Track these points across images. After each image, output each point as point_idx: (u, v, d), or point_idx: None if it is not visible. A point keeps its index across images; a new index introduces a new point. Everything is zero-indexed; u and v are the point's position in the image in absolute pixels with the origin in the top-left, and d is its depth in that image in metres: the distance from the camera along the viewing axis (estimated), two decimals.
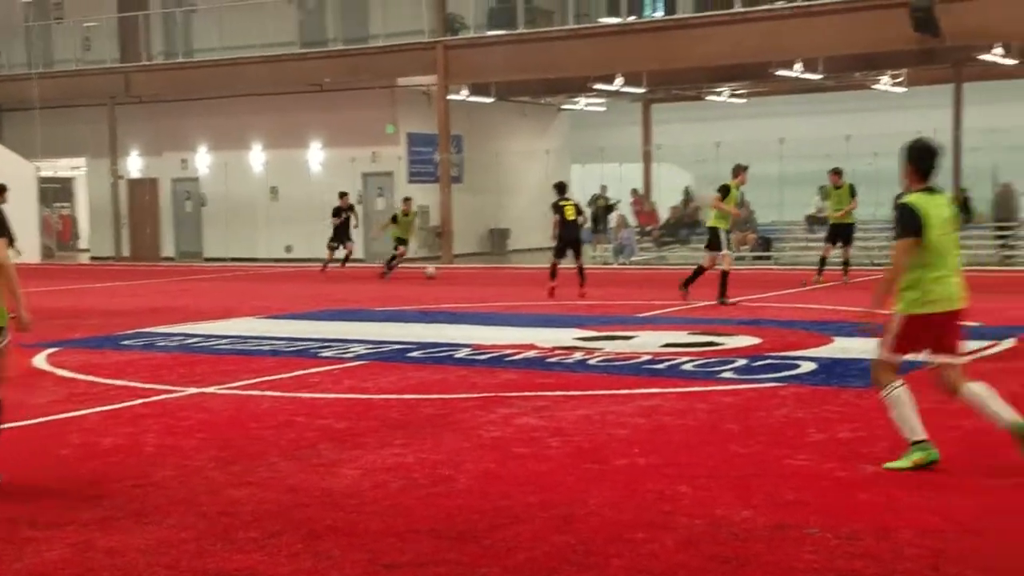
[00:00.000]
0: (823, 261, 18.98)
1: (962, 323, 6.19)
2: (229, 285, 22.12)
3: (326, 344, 11.73)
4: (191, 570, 4.70)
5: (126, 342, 12.37)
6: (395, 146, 29.04)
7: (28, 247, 30.73)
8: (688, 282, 15.74)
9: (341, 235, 23.99)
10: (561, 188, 17.76)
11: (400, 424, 7.59)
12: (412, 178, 29.29)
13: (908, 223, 5.93)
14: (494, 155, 30.94)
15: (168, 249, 32.48)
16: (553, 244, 17.52)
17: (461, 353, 10.86)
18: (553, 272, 17.18)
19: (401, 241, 22.96)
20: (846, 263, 18.97)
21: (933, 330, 6.02)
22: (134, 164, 32.77)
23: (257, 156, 30.96)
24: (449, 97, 27.24)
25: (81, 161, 34.07)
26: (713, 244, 15.44)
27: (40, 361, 10.91)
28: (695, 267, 16.13)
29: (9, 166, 30.56)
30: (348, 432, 7.34)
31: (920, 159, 6.20)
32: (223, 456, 6.71)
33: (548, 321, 13.74)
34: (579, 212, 17.61)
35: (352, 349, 11.32)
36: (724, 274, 15.38)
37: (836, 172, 18.97)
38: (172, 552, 4.92)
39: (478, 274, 24.04)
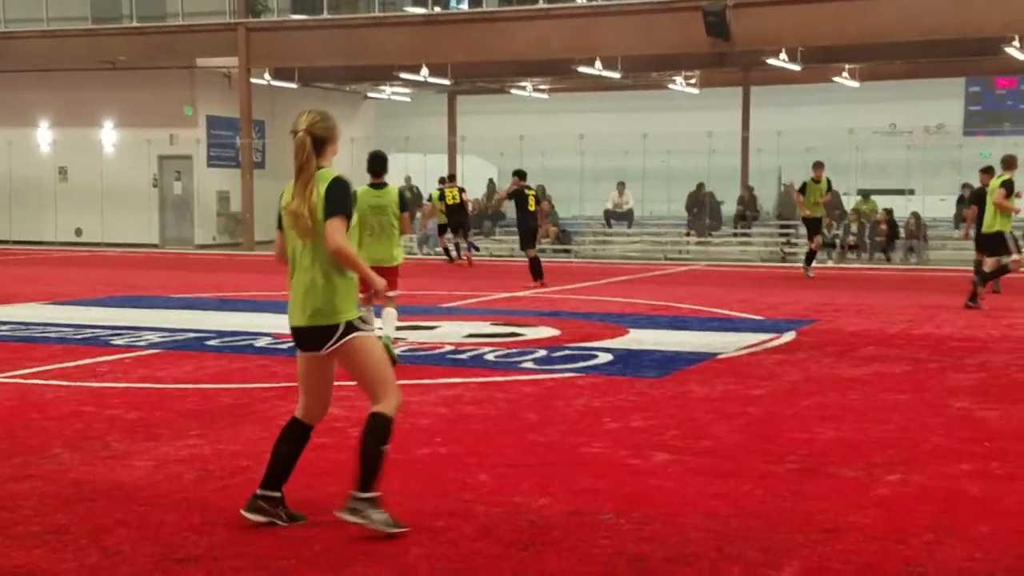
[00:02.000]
0: (812, 255, 19.14)
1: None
2: (11, 269, 21.01)
3: (117, 332, 11.30)
4: None
5: None
6: (194, 129, 28.19)
7: None
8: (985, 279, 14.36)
9: None
10: (451, 177, 18.07)
11: (196, 414, 7.39)
12: (211, 162, 28.53)
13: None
14: None
15: None
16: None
17: (262, 342, 10.66)
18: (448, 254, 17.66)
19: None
20: (811, 255, 19.14)
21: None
22: None
23: (44, 134, 29.50)
24: (252, 80, 26.65)
25: None
26: (998, 247, 14.12)
27: None
28: (996, 268, 14.31)
29: None
30: (140, 423, 7.10)
31: (371, 163, 9.35)
32: (2, 448, 6.38)
33: None
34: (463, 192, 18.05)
35: (145, 337, 10.95)
36: (998, 271, 14.22)
37: (819, 165, 18.75)
38: None
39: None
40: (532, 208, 17.36)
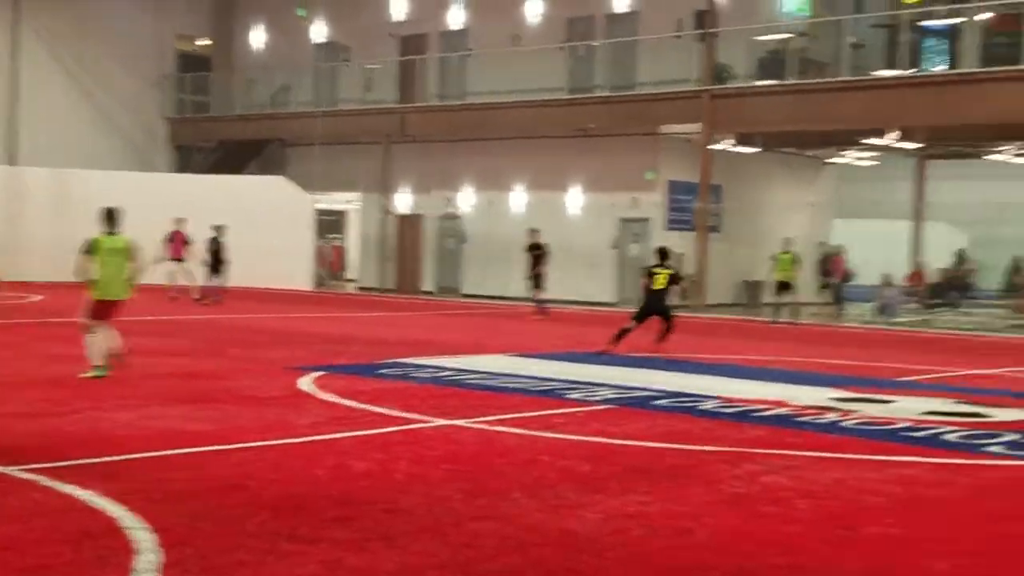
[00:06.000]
0: None
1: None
2: (483, 321, 22.66)
3: (572, 386, 11.80)
4: None
5: (384, 371, 12.86)
6: (654, 193, 29.07)
7: (301, 275, 32.64)
8: None
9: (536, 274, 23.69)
10: (663, 254, 16.33)
11: (644, 471, 7.53)
12: (670, 225, 29.20)
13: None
14: (754, 206, 30.44)
15: (428, 283, 33.67)
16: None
17: (708, 404, 10.69)
18: (621, 335, 15.79)
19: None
20: None
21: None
22: (403, 200, 34.24)
23: (518, 197, 31.68)
24: (711, 146, 27.06)
25: (355, 195, 35.91)
26: None
27: (306, 383, 11.50)
28: None
29: (291, 197, 32.63)
30: (590, 475, 7.34)
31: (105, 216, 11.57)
32: (468, 488, 6.84)
33: (801, 378, 13.32)
34: (674, 281, 16.14)
35: (599, 392, 11.34)
36: None
37: None
38: None
39: (731, 325, 23.65)
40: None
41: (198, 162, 37.24)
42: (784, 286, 23.73)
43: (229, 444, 8.07)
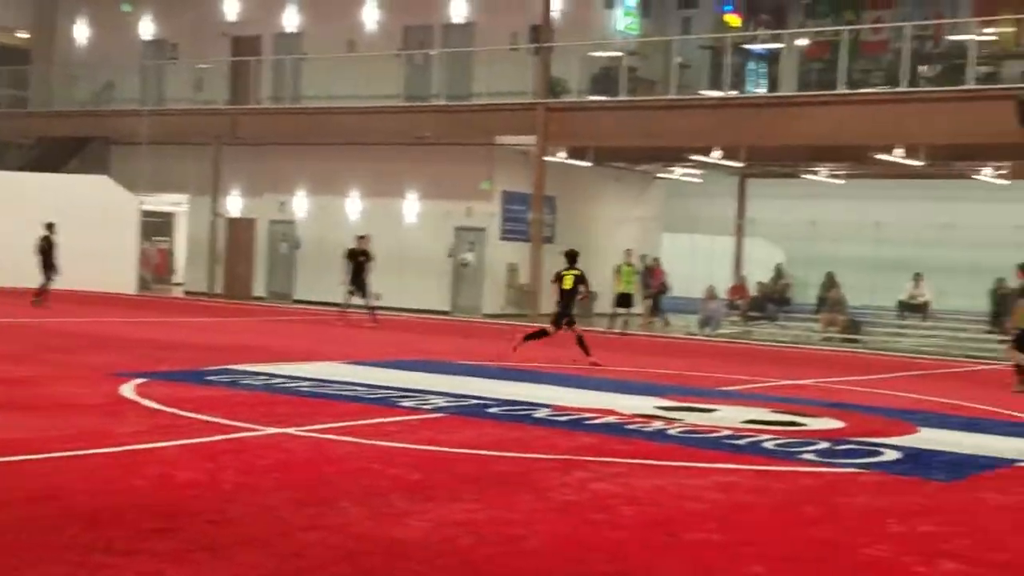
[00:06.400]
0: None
1: None
2: (316, 328, 22.41)
3: (406, 394, 11.79)
4: None
5: (212, 378, 12.58)
6: (490, 203, 29.30)
7: (125, 278, 31.59)
8: None
9: (358, 281, 23.10)
10: (571, 257, 17.01)
11: (474, 479, 7.58)
12: (505, 235, 29.50)
13: None
14: (586, 219, 31.03)
15: (260, 289, 33.07)
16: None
17: (541, 413, 10.84)
18: (538, 335, 16.66)
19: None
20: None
21: None
22: (234, 204, 33.54)
23: (353, 203, 31.45)
24: (546, 158, 27.47)
25: (183, 197, 34.99)
26: None
27: (129, 390, 11.14)
28: None
29: (114, 197, 31.54)
30: (421, 484, 7.36)
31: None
32: (297, 497, 6.76)
33: (629, 388, 13.65)
34: (581, 281, 16.72)
35: (431, 401, 11.37)
36: None
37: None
38: None
39: (560, 335, 24.00)
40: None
41: (15, 159, 35.64)
42: (624, 298, 24.33)
43: (44, 453, 7.75)
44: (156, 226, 37.69)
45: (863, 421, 11.39)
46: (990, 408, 13.33)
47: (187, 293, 34.07)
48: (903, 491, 7.84)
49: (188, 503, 6.52)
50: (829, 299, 26.28)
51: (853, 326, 25.59)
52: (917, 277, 26.23)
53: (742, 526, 6.61)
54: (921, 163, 25.45)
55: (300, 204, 32.42)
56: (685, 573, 5.52)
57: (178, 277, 37.42)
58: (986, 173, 27.54)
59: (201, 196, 33.34)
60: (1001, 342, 19.60)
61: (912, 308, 26.29)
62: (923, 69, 24.89)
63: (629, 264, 24.65)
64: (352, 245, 23.77)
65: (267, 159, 32.34)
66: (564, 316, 16.62)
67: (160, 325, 20.75)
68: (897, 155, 24.54)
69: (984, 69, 23.63)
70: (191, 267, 34.73)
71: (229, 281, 33.46)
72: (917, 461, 9.08)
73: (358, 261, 23.28)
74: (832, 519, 6.88)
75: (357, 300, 23.41)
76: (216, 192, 32.81)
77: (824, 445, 9.61)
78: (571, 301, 16.65)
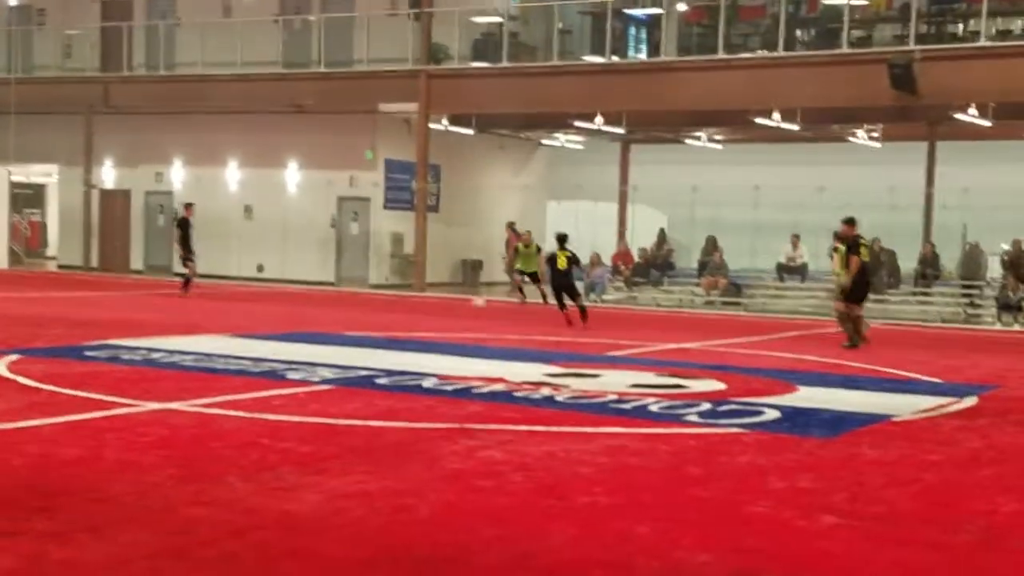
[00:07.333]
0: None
1: None
2: (197, 302, 21.98)
3: (292, 366, 11.67)
4: None
5: (90, 353, 12.26)
6: (373, 172, 29.06)
7: None
8: None
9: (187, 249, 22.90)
10: (561, 240, 18.10)
11: (364, 451, 7.55)
12: (388, 204, 29.31)
13: None
14: (471, 187, 31.02)
15: (137, 262, 32.28)
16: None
17: (428, 382, 10.84)
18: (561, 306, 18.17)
19: (523, 273, 23.30)
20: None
21: None
22: (108, 175, 32.61)
23: (232, 173, 30.88)
24: (429, 126, 27.32)
25: (54, 168, 33.88)
26: None
27: (1, 367, 10.79)
28: None
29: None
30: (311, 456, 7.30)
31: None
32: (182, 474, 6.65)
33: (517, 355, 13.74)
34: (574, 262, 18.02)
35: (319, 372, 11.27)
36: None
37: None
38: (127, 569, 4.87)
39: (446, 304, 24.03)
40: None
41: None
42: (533, 277, 23.70)
43: None
44: (27, 199, 36.45)
45: (744, 382, 11.66)
46: (867, 366, 13.78)
47: (61, 267, 33.08)
48: (783, 449, 8.07)
49: (69, 482, 6.36)
50: (710, 263, 26.79)
51: (734, 289, 26.15)
52: (795, 239, 26.90)
53: (629, 488, 6.72)
54: (798, 127, 26.07)
55: (177, 175, 31.69)
56: (573, 536, 5.60)
57: (51, 250, 36.29)
58: (860, 136, 28.35)
59: (73, 167, 32.36)
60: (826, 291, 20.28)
61: (791, 270, 26.97)
62: (799, 34, 25.44)
63: (528, 245, 24.04)
64: (183, 214, 23.38)
65: (142, 129, 31.48)
66: (560, 290, 17.96)
67: (33, 300, 20.12)
68: (775, 119, 25.08)
69: (857, 33, 24.25)
70: (65, 240, 33.72)
71: (105, 254, 32.60)
72: (796, 420, 9.35)
73: (187, 231, 22.97)
74: (715, 478, 7.04)
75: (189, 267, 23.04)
76: (89, 163, 31.86)
77: (707, 406, 9.82)
78: (566, 276, 17.90)
